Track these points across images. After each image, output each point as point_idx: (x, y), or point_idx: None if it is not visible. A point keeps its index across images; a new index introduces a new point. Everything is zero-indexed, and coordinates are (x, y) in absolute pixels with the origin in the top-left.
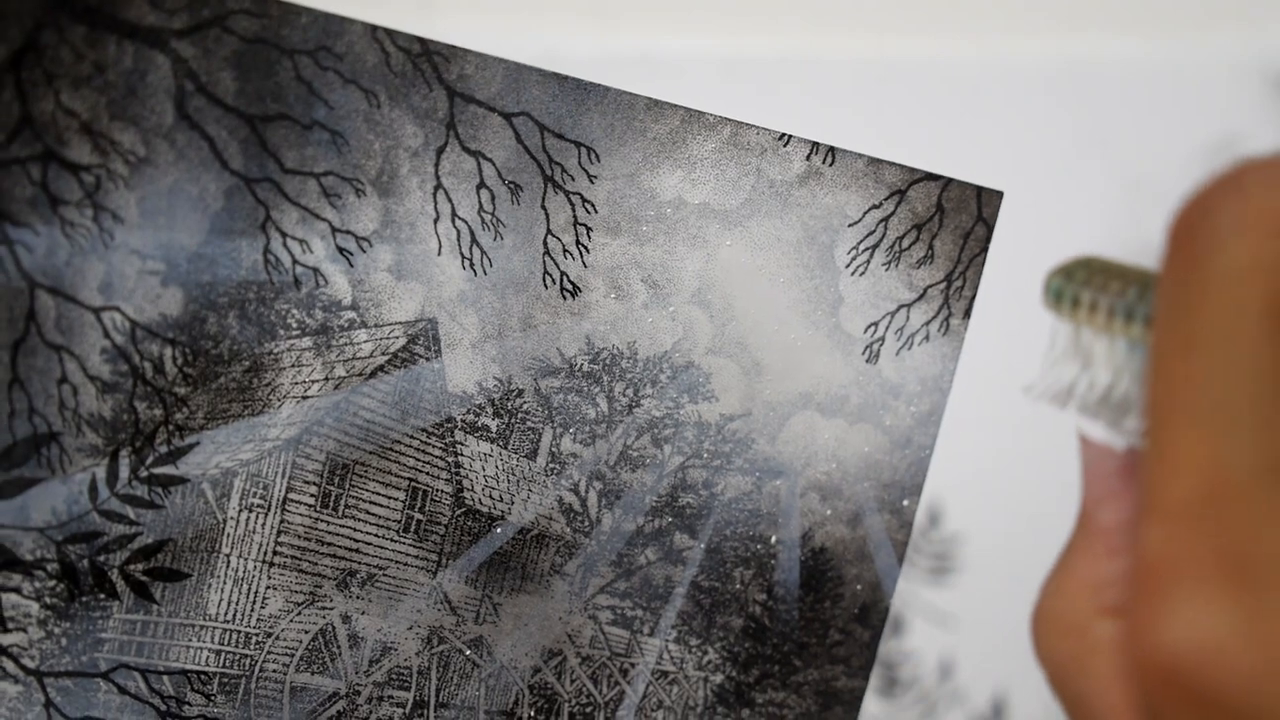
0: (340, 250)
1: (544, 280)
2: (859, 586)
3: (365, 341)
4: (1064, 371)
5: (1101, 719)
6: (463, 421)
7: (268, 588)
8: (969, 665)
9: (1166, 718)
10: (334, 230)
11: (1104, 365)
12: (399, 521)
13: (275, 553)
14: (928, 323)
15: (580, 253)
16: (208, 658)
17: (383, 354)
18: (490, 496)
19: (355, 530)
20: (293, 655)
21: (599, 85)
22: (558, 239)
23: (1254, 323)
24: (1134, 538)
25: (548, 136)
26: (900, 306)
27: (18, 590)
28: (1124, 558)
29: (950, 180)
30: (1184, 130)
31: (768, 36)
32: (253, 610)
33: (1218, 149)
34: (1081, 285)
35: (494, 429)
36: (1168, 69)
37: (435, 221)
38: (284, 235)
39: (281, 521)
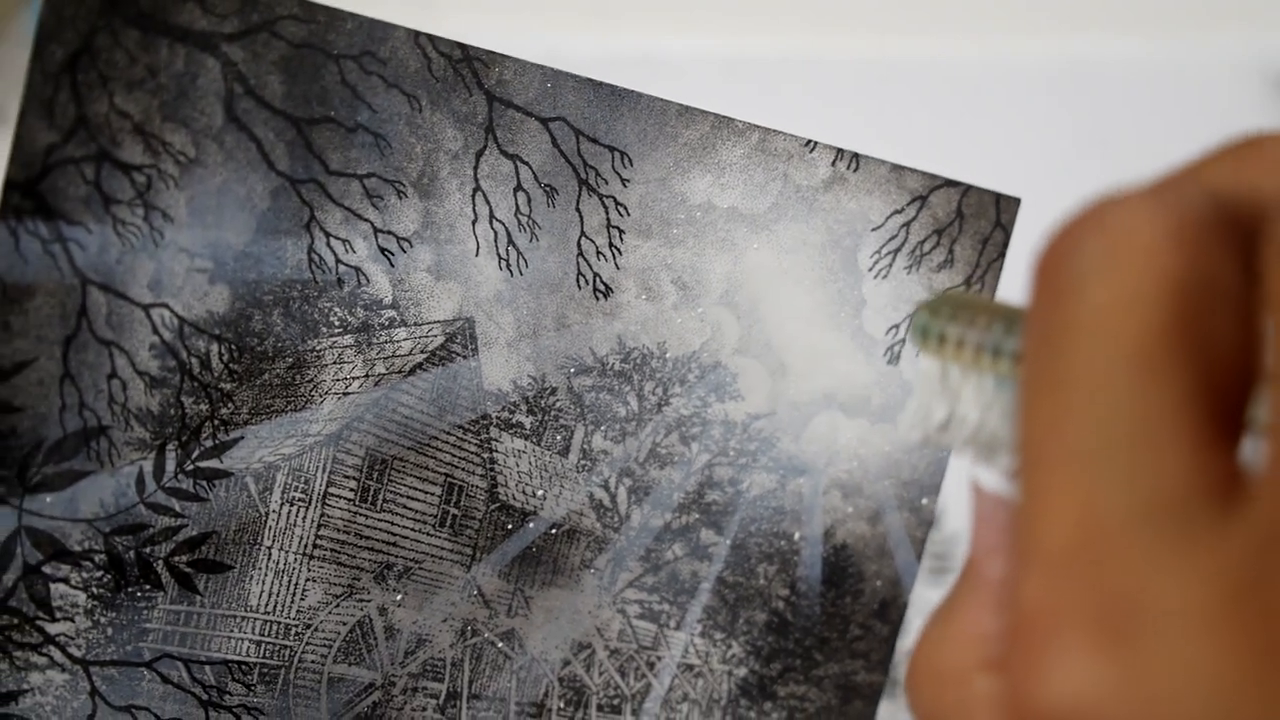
0: (382, 250)
1: (578, 281)
2: (879, 583)
3: (405, 340)
4: (933, 409)
5: None
6: (498, 418)
7: (307, 580)
8: None
9: None
10: (376, 231)
11: (972, 402)
12: (435, 516)
13: (315, 546)
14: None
15: (613, 255)
16: (248, 648)
17: (421, 352)
18: (523, 492)
19: (393, 524)
20: (331, 646)
21: (633, 91)
22: (591, 241)
23: (1122, 360)
24: (1009, 586)
25: (583, 141)
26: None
27: (66, 580)
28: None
29: (970, 187)
30: (1184, 130)
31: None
32: (292, 602)
33: None
34: (948, 321)
35: (528, 426)
36: (1168, 69)
37: (474, 223)
38: (328, 235)
39: (322, 515)
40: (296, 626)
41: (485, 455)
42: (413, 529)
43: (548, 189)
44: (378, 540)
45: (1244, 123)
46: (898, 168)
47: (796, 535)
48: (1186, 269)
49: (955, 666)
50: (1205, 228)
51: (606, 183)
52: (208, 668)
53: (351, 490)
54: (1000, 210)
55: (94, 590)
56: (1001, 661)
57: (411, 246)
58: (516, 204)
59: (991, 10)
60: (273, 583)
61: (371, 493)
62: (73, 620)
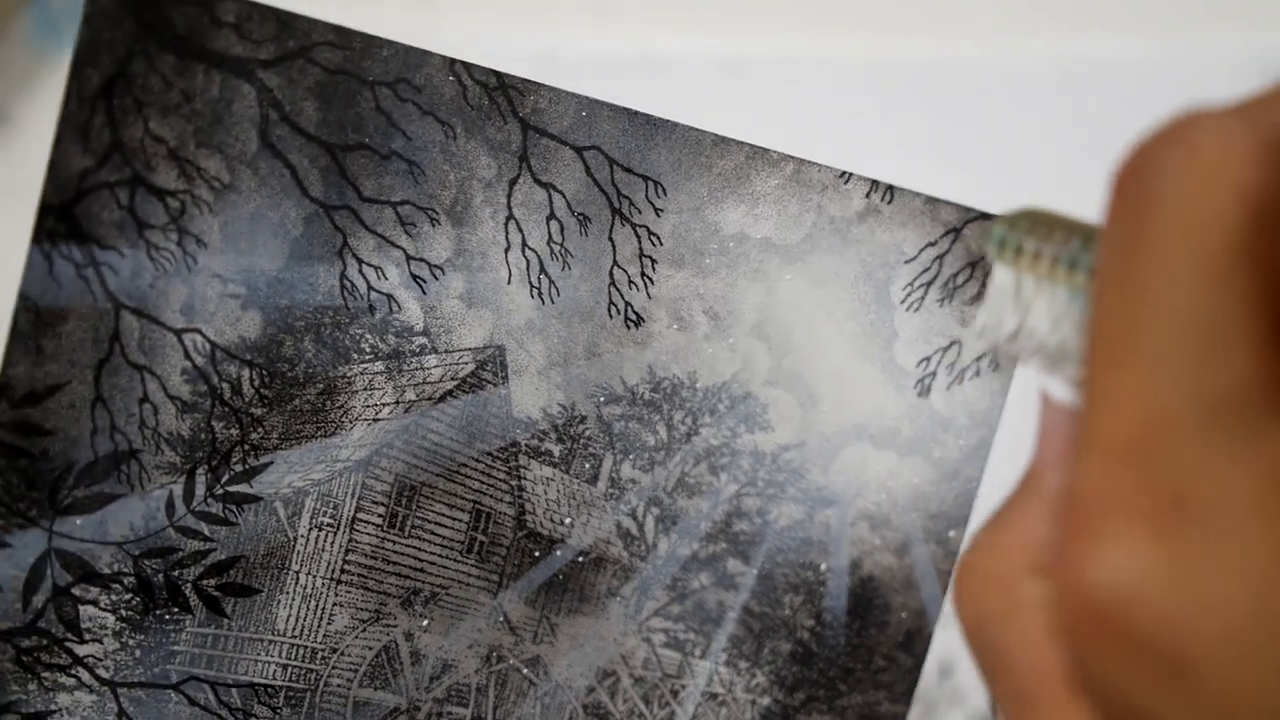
0: (414, 277)
1: (609, 310)
2: (904, 614)
3: (435, 367)
4: (1004, 319)
5: (1020, 678)
6: (527, 446)
7: (334, 605)
8: (969, 665)
9: (1092, 658)
10: (408, 258)
11: (1044, 313)
12: (462, 542)
13: (343, 571)
14: (979, 358)
15: (645, 284)
16: (275, 671)
17: (452, 379)
18: (551, 520)
19: (420, 550)
20: (357, 671)
21: (668, 121)
22: (623, 270)
23: (1195, 268)
24: (1069, 475)
25: (617, 170)
26: (952, 342)
27: (95, 603)
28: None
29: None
30: None
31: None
32: (319, 626)
33: None
34: (1025, 234)
35: (557, 454)
36: (1168, 69)
37: (506, 251)
38: (360, 262)
39: (350, 540)
40: (323, 650)
41: (514, 482)
42: (440, 555)
43: (581, 218)
44: (405, 566)
45: None
46: (932, 200)
47: (823, 566)
48: (1262, 185)
49: (1005, 570)
50: None
51: (640, 212)
52: (234, 690)
53: (380, 516)
54: None
55: (122, 612)
56: (1054, 554)
57: (444, 274)
58: (549, 232)
59: (991, 10)
60: (300, 607)
61: (400, 519)
62: (101, 642)
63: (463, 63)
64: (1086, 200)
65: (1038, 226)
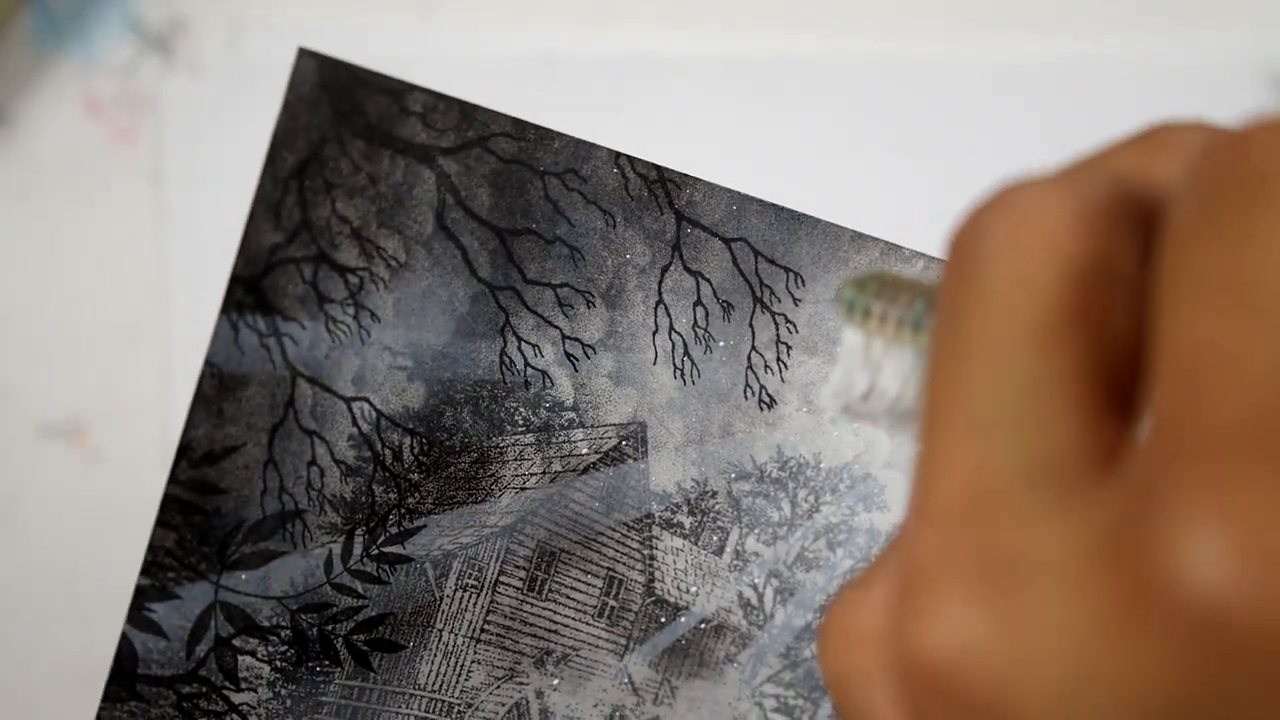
0: (568, 355)
1: (745, 392)
2: None
3: (581, 440)
4: (855, 381)
5: None
6: (660, 518)
7: (473, 662)
8: None
9: (928, 718)
10: (564, 337)
11: (892, 374)
12: (595, 607)
13: (483, 630)
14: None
15: (780, 369)
16: None
17: (596, 452)
18: (678, 588)
19: (555, 613)
20: None
21: (810, 216)
22: (760, 355)
23: (1017, 335)
24: (903, 542)
25: (761, 261)
26: None
27: (253, 654)
28: None
29: None
30: None
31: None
32: (457, 682)
33: None
34: (873, 296)
35: (687, 526)
36: (1168, 69)
37: (654, 334)
38: (519, 340)
39: (491, 601)
40: (459, 705)
41: (646, 552)
42: (573, 618)
43: (725, 304)
44: (540, 628)
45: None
46: None
47: None
48: (1084, 252)
49: (864, 629)
50: (1105, 213)
51: (779, 300)
52: None
53: (521, 579)
54: None
55: (277, 663)
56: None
57: (595, 353)
58: (695, 317)
59: (987, 11)
60: (441, 663)
61: (539, 583)
62: (255, 691)
63: (627, 156)
64: None
65: (885, 289)
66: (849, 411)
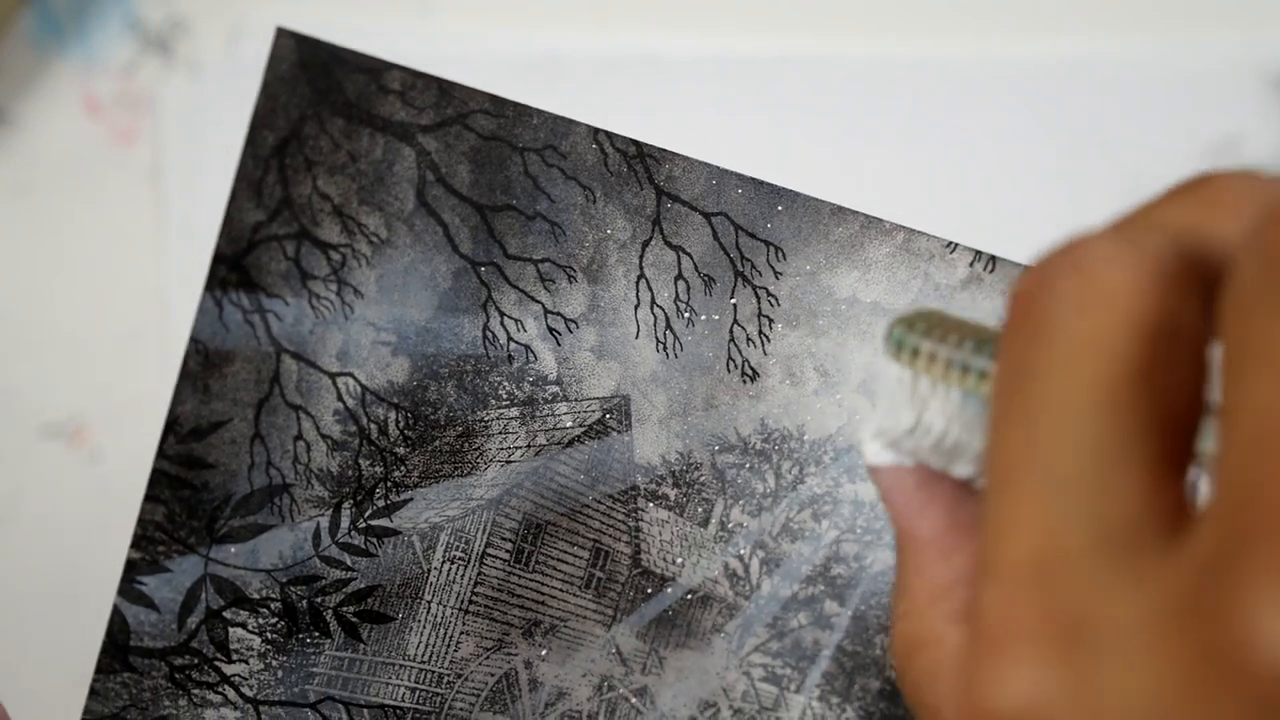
0: (550, 330)
1: (727, 365)
2: None
3: (565, 414)
4: (901, 418)
5: None
6: (645, 490)
7: (461, 633)
8: None
9: None
10: (546, 312)
11: (939, 413)
12: (581, 578)
13: (471, 602)
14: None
15: (762, 341)
16: (404, 694)
17: (580, 426)
18: (664, 559)
19: (542, 584)
20: (479, 696)
21: (790, 190)
22: (742, 328)
23: (1089, 396)
24: (972, 600)
25: (741, 235)
26: None
27: (244, 625)
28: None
29: None
30: (1184, 130)
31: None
32: (446, 653)
33: (1217, 149)
34: (922, 335)
35: (672, 498)
36: (1168, 69)
37: (635, 308)
38: (502, 314)
39: (479, 574)
40: (449, 676)
41: (631, 523)
42: (560, 589)
43: (706, 278)
44: (528, 599)
45: (1243, 123)
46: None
47: None
48: (1153, 313)
49: (928, 629)
50: (1171, 273)
51: (760, 274)
52: (366, 711)
53: (507, 551)
54: None
55: (268, 635)
56: (962, 659)
57: (578, 327)
58: (676, 291)
59: (987, 11)
60: (430, 634)
61: (525, 554)
62: (247, 662)
63: (605, 132)
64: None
65: (934, 328)
66: (892, 444)
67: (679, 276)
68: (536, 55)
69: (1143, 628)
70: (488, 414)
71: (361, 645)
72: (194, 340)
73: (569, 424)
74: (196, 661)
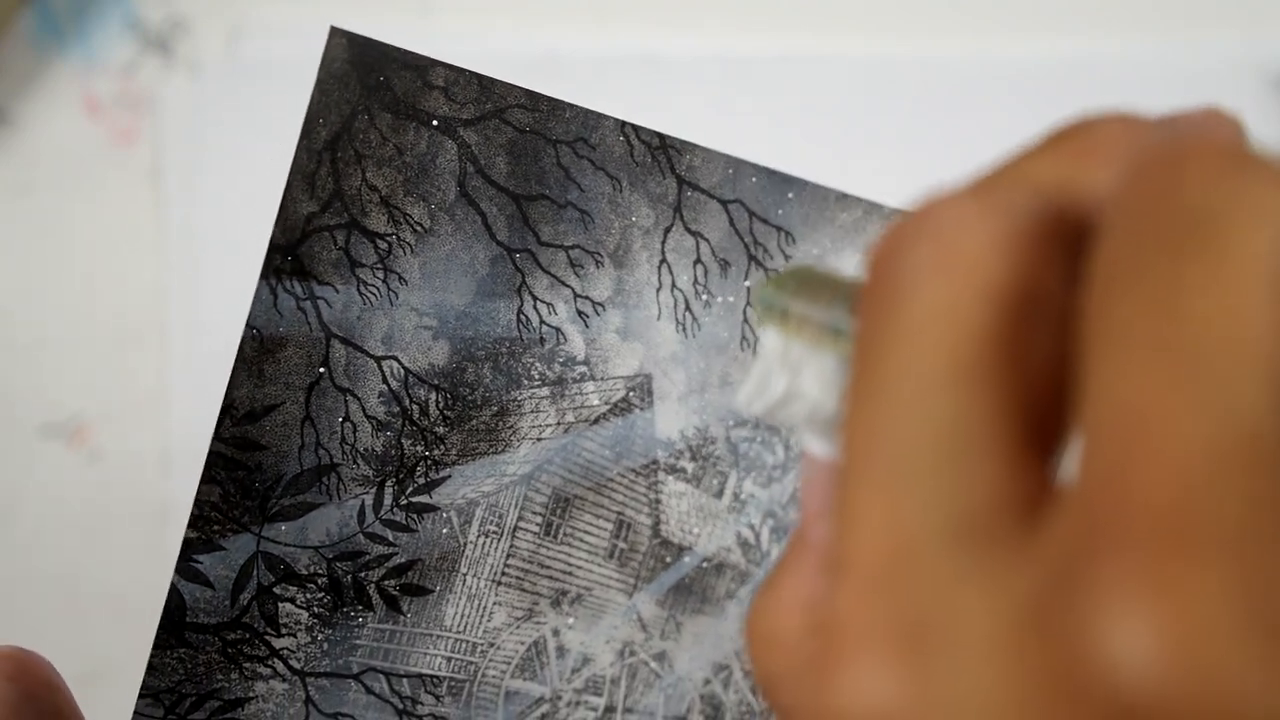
0: (579, 313)
1: (741, 344)
2: None
3: (592, 392)
4: (773, 384)
5: None
6: (665, 464)
7: (494, 604)
8: None
9: None
10: (575, 296)
11: (812, 379)
12: (606, 549)
13: (504, 573)
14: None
15: None
16: (440, 664)
17: (606, 404)
18: (682, 529)
19: (569, 556)
20: (510, 663)
21: (800, 179)
22: (755, 309)
23: (939, 372)
24: (826, 594)
25: (755, 221)
26: None
27: (292, 600)
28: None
29: None
30: None
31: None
32: (480, 623)
33: None
34: (791, 296)
35: (690, 471)
36: (1168, 69)
37: (658, 291)
38: (535, 299)
39: (511, 546)
40: (482, 645)
41: (652, 496)
42: (586, 560)
43: (722, 262)
44: (556, 570)
45: (1242, 123)
46: None
47: None
48: (1010, 280)
49: (785, 630)
50: (1032, 235)
51: (772, 258)
52: (405, 680)
53: (538, 525)
54: None
55: (315, 609)
56: (813, 660)
57: (604, 310)
58: (695, 275)
59: (987, 11)
60: (465, 606)
61: (554, 527)
62: (295, 636)
63: (632, 125)
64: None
65: (804, 287)
66: (767, 415)
67: (697, 260)
68: (537, 55)
69: (988, 634)
70: (520, 394)
71: (401, 617)
72: (250, 327)
73: (595, 402)
74: (248, 636)
